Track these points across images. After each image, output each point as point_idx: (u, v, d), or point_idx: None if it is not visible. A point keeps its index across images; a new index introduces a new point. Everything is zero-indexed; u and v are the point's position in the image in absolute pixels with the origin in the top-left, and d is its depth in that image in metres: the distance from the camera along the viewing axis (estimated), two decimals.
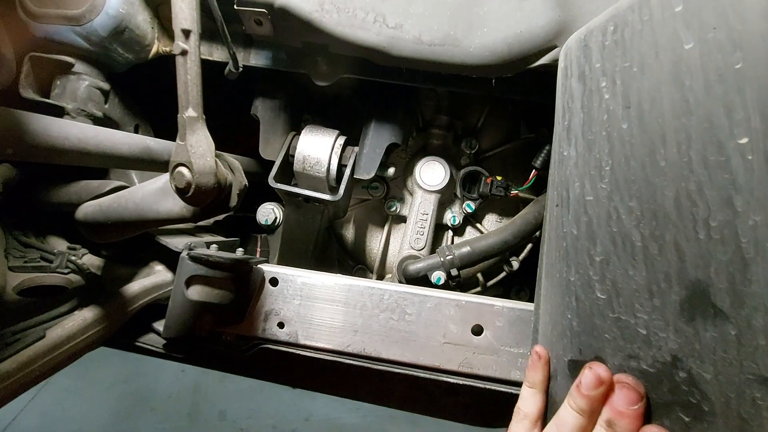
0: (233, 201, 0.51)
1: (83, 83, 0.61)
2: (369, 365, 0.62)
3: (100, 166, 0.53)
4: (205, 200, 0.46)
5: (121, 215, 0.48)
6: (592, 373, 0.39)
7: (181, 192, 0.45)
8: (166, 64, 0.76)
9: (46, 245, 0.72)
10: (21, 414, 2.56)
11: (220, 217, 1.03)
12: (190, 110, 0.44)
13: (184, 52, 0.43)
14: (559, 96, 0.46)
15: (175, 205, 0.49)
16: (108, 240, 0.53)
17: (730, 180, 0.30)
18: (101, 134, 0.51)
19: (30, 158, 0.44)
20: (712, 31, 0.31)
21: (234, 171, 0.51)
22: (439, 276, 0.73)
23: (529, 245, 0.86)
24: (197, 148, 0.44)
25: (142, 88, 0.77)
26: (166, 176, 0.50)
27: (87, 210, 0.51)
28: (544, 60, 0.54)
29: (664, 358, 0.35)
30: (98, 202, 0.50)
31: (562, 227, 0.43)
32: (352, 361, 0.63)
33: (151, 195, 0.49)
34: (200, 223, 0.96)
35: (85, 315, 0.54)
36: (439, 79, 0.64)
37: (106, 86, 0.65)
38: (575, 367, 0.42)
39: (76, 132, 0.47)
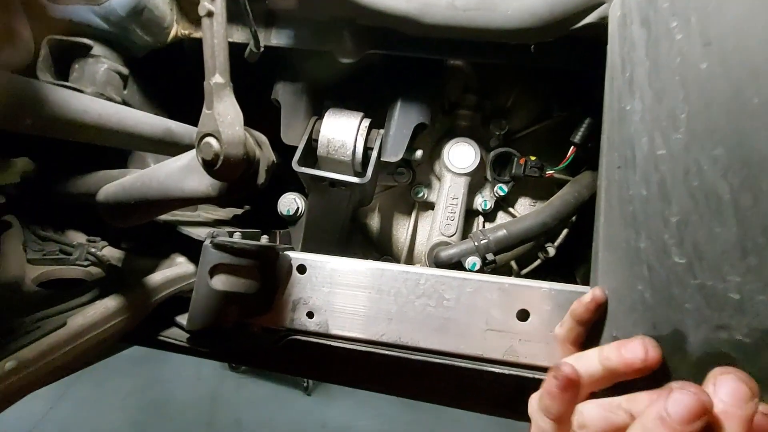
0: (261, 178, 0.48)
1: (102, 66, 0.59)
2: (405, 355, 0.58)
3: (120, 146, 0.50)
4: (233, 174, 0.43)
5: (144, 194, 0.46)
6: (691, 399, 0.27)
7: (209, 165, 0.42)
8: (183, 57, 0.75)
9: (65, 239, 0.69)
10: (39, 424, 2.56)
11: (239, 211, 1.01)
12: (217, 76, 0.41)
13: (210, 13, 0.40)
14: (616, 49, 0.42)
15: (201, 184, 0.46)
16: (130, 223, 0.50)
17: None
18: (122, 112, 0.48)
19: (48, 132, 0.41)
20: None
21: (261, 146, 0.48)
22: (474, 261, 0.69)
23: (565, 230, 0.82)
24: (225, 116, 0.41)
25: (158, 83, 0.75)
26: (191, 153, 0.47)
27: (109, 190, 0.48)
28: (590, 18, 0.51)
29: (764, 324, 0.31)
30: (120, 182, 0.48)
31: (628, 190, 0.39)
32: (386, 352, 0.59)
33: (175, 173, 0.46)
34: (219, 217, 0.93)
35: (107, 304, 0.51)
36: (470, 49, 0.61)
37: (125, 71, 0.63)
38: None
39: (96, 107, 0.45)
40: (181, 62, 0.75)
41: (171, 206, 0.49)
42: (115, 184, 0.48)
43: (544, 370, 0.55)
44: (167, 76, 0.75)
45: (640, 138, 0.38)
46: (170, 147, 0.55)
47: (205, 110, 0.41)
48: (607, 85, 0.45)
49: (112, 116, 0.46)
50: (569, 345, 0.44)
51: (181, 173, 0.46)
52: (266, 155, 0.47)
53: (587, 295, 0.42)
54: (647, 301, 0.37)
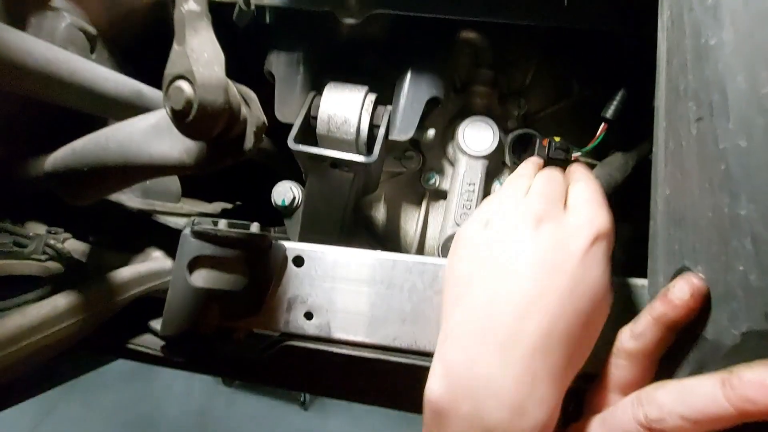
0: (249, 141, 0.39)
1: (63, 22, 0.50)
2: (421, 363, 0.49)
3: (75, 106, 0.41)
4: (211, 129, 0.34)
5: (100, 158, 0.36)
6: None
7: (180, 117, 0.33)
8: (168, 25, 0.66)
9: (23, 230, 0.60)
10: None
11: (228, 206, 0.91)
12: (190, 2, 0.32)
13: None
14: None
15: (173, 148, 0.37)
16: (87, 197, 0.41)
17: None
18: (78, 62, 0.39)
19: None
20: None
21: (249, 103, 0.39)
22: None
23: None
24: (200, 54, 0.32)
25: (136, 53, 0.67)
26: (162, 111, 0.38)
27: (57, 156, 0.39)
28: None
29: None
30: (72, 145, 0.38)
31: (716, 144, 0.31)
32: (401, 359, 0.49)
33: (140, 133, 0.37)
34: (206, 212, 0.84)
35: (57, 302, 0.41)
36: (490, 7, 0.53)
37: (92, 30, 0.54)
38: (761, 339, 0.28)
39: (42, 50, 0.36)
40: (166, 31, 0.66)
41: (135, 176, 0.40)
42: (66, 148, 0.38)
43: (588, 377, 0.46)
44: (148, 46, 0.66)
45: (735, 76, 0.30)
46: (140, 113, 0.46)
47: (175, 47, 0.32)
48: (672, 24, 0.36)
49: (62, 64, 0.37)
50: (650, 361, 0.33)
51: (148, 134, 0.37)
52: (255, 114, 0.38)
53: (679, 285, 0.30)
54: (753, 284, 0.28)
